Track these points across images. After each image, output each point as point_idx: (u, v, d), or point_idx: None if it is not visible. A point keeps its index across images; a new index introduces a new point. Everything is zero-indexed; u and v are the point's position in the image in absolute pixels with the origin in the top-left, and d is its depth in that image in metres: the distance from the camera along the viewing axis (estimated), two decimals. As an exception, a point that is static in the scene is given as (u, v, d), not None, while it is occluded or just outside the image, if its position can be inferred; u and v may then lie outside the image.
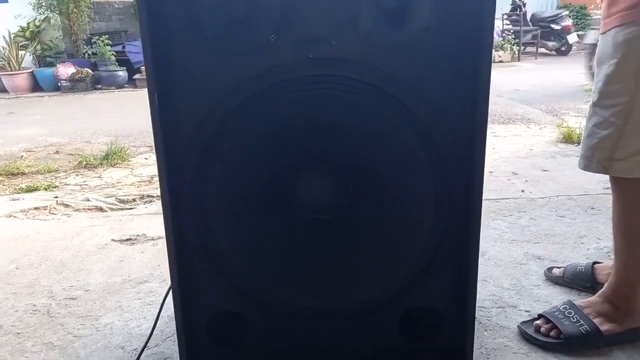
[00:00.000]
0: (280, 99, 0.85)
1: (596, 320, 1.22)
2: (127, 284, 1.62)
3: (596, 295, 1.29)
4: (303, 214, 0.90)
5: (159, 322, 1.27)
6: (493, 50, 8.87)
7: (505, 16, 10.76)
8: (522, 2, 11.21)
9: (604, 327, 1.21)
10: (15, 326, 1.40)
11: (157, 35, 0.82)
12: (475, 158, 0.89)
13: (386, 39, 0.84)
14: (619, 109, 1.04)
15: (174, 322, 1.33)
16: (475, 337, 1.09)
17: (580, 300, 1.32)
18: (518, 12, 10.98)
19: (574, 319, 1.24)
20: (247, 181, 0.90)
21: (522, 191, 2.50)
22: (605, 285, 1.28)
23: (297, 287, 0.95)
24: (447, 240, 0.94)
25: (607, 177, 1.17)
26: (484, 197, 1.80)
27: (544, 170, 2.84)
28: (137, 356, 1.20)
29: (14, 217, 2.35)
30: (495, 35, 10.63)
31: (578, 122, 3.75)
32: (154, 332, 1.27)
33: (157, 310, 1.34)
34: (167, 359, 1.24)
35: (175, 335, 1.31)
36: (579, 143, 3.40)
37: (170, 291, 1.14)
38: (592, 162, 1.11)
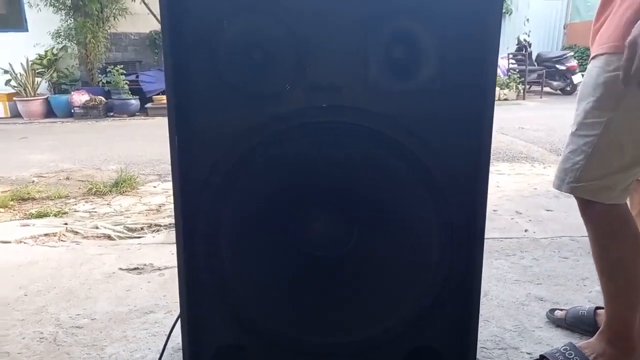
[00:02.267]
0: (292, 144, 0.90)
1: None
2: (133, 314, 1.64)
3: (595, 335, 1.30)
4: (310, 253, 0.94)
5: (163, 353, 1.29)
6: (498, 89, 8.97)
7: (510, 55, 10.97)
8: (528, 42, 11.45)
9: None
10: (22, 354, 1.43)
11: (179, 79, 0.88)
12: (478, 201, 0.93)
13: (394, 88, 0.89)
14: (590, 139, 1.17)
15: (179, 353, 1.35)
16: (476, 379, 1.10)
17: (582, 342, 1.33)
18: (524, 51, 11.20)
19: None
20: (256, 221, 0.94)
21: (526, 231, 2.52)
22: (602, 325, 1.30)
23: (302, 323, 0.98)
24: (450, 279, 0.96)
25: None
26: (487, 236, 1.83)
27: (547, 210, 2.86)
28: (141, 387, 1.21)
29: (24, 242, 2.39)
30: (500, 74, 10.80)
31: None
32: (159, 364, 1.28)
33: (163, 341, 1.36)
34: (171, 391, 1.26)
35: (179, 367, 1.33)
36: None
37: (178, 323, 1.17)
38: (563, 183, 1.22)
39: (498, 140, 5.43)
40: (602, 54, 1.15)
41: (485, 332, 1.51)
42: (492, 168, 4.04)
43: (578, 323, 1.50)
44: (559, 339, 1.47)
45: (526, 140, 5.18)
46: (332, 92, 0.89)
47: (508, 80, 10.02)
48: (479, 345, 1.43)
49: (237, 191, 0.92)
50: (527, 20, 11.94)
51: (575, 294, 1.77)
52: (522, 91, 10.05)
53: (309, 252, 0.94)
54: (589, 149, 1.16)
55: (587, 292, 1.78)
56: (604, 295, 1.28)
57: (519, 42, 11.51)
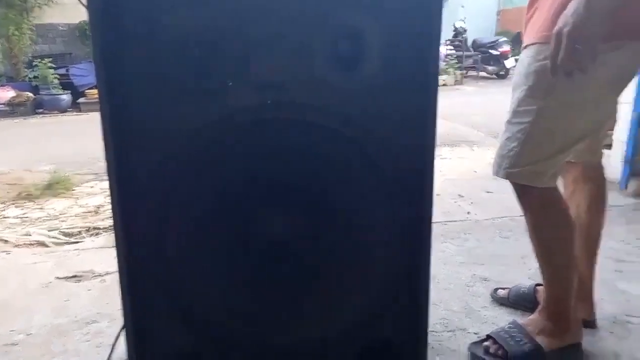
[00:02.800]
0: (238, 141, 0.87)
1: (538, 338, 1.30)
2: (73, 325, 1.55)
3: (535, 312, 1.37)
4: (260, 250, 0.91)
5: (108, 365, 1.23)
6: (438, 75, 9.27)
7: (448, 42, 11.29)
8: (464, 28, 11.82)
9: (545, 344, 1.29)
10: (-51, 378, 1.32)
11: (113, 81, 0.82)
12: (425, 192, 0.94)
13: (340, 83, 0.87)
14: (524, 127, 1.20)
15: (125, 364, 1.29)
16: (428, 362, 1.12)
17: (524, 319, 1.39)
18: (460, 38, 11.56)
19: (518, 338, 1.30)
20: (204, 220, 0.90)
21: (468, 213, 2.61)
22: (542, 302, 1.36)
23: (255, 323, 0.96)
24: (401, 271, 0.97)
25: None
26: (434, 220, 1.86)
27: (487, 192, 2.97)
28: (85, 403, 1.15)
29: (-53, 255, 2.20)
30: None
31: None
32: (104, 376, 1.22)
33: (107, 352, 1.30)
34: (118, 404, 1.20)
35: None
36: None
37: (123, 332, 1.12)
38: (500, 168, 1.26)
39: (439, 125, 5.59)
40: (532, 44, 1.18)
41: (435, 316, 1.55)
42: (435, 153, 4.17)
43: (520, 301, 1.57)
44: (503, 317, 1.53)
45: (466, 124, 5.37)
46: (278, 88, 0.87)
47: (446, 66, 10.31)
48: (429, 329, 1.46)
49: (182, 191, 0.88)
50: (462, 7, 12.31)
51: (517, 272, 1.85)
52: (459, 76, 10.39)
53: (259, 249, 0.91)
54: (523, 135, 1.20)
55: (527, 270, 1.86)
56: (541, 273, 1.34)
57: (455, 29, 11.87)
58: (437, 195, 2.95)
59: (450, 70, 10.26)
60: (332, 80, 0.87)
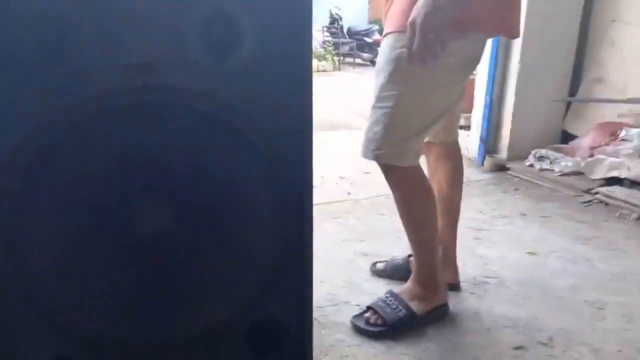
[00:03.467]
0: (104, 127, 0.81)
1: (411, 304, 1.43)
2: None
3: (408, 280, 1.50)
4: (133, 243, 0.87)
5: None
6: (316, 61, 9.38)
7: (325, 28, 11.57)
8: (339, 15, 12.20)
9: (417, 308, 1.42)
10: None
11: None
12: (305, 172, 0.97)
13: (214, 67, 0.86)
14: (386, 111, 1.29)
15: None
16: (315, 337, 1.17)
17: (399, 288, 1.52)
18: (336, 25, 11.92)
19: (394, 306, 1.42)
20: (70, 215, 0.84)
21: (349, 193, 2.74)
22: (413, 270, 1.50)
23: (133, 322, 0.91)
24: (284, 251, 0.99)
25: None
26: (316, 202, 1.93)
27: (366, 173, 3.14)
28: None
29: None
30: (317, 45, 11.29)
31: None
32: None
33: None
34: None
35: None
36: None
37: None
38: (368, 151, 1.34)
39: (318, 110, 5.74)
40: (391, 32, 1.28)
41: (321, 292, 1.62)
42: (316, 137, 4.29)
43: (396, 271, 1.71)
44: (382, 288, 1.65)
45: (345, 110, 5.58)
46: (148, 71, 0.83)
47: (324, 52, 10.58)
48: (315, 304, 1.52)
49: (41, 188, 0.80)
50: (336, -7, 12.67)
51: (393, 246, 1.99)
52: (337, 63, 10.73)
53: (130, 243, 0.87)
54: (386, 119, 1.29)
55: (403, 243, 2.01)
56: (411, 245, 1.47)
57: (331, 15, 12.20)
58: (321, 177, 3.05)
59: (329, 56, 10.55)
60: (204, 63, 0.85)
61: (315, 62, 10.31)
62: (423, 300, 1.44)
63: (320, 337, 1.38)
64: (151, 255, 0.90)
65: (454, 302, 1.57)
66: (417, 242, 1.45)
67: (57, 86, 0.77)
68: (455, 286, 1.63)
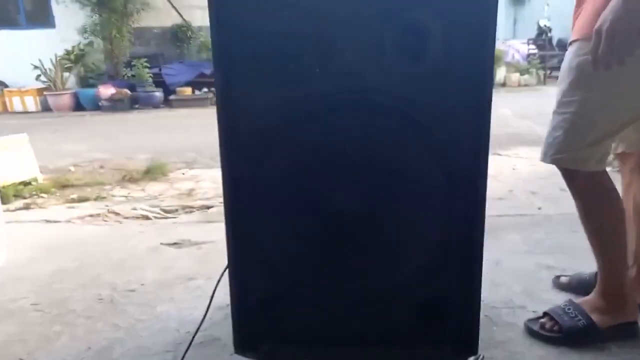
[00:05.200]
0: (321, 121, 1.06)
1: (593, 316, 1.38)
2: (177, 280, 1.84)
3: (592, 292, 1.45)
4: (335, 212, 1.10)
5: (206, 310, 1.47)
6: (518, 75, 8.91)
7: (530, 41, 10.91)
8: (548, 27, 11.35)
9: (599, 321, 1.37)
10: (86, 311, 1.63)
11: (225, 67, 1.04)
12: (480, 169, 1.07)
13: (407, 71, 1.04)
14: (567, 116, 1.31)
15: (220, 311, 1.54)
16: (485, 331, 1.25)
17: (580, 299, 1.47)
18: (543, 37, 11.11)
19: (572, 314, 1.39)
20: (292, 187, 1.11)
21: (539, 208, 2.64)
22: (597, 282, 1.44)
23: (329, 274, 1.14)
24: (455, 230, 1.11)
25: None
26: (502, 213, 1.96)
27: (562, 190, 2.95)
28: (191, 337, 1.39)
29: (72, 222, 2.61)
30: (520, 59, 10.68)
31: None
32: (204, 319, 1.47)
33: (205, 303, 1.54)
34: (216, 339, 1.45)
35: (222, 322, 1.52)
36: (598, 165, 3.52)
37: (218, 286, 1.35)
38: (546, 156, 1.36)
39: (517, 125, 5.50)
40: (576, 40, 1.30)
41: (496, 295, 1.66)
42: (511, 152, 4.16)
43: (581, 286, 1.64)
44: (562, 300, 1.60)
45: (545, 124, 5.23)
46: (355, 76, 1.05)
47: (528, 66, 9.99)
48: (489, 304, 1.58)
49: (274, 162, 1.09)
50: (547, 5, 11.81)
51: (582, 262, 1.89)
52: (542, 77, 10.01)
53: (335, 211, 1.10)
54: (566, 124, 1.31)
55: (593, 262, 1.90)
56: (595, 255, 1.42)
57: (539, 28, 11.43)
58: (510, 191, 2.99)
59: (533, 70, 9.92)
60: (399, 69, 1.04)
61: (516, 76, 9.81)
62: (606, 313, 1.38)
63: (491, 332, 1.44)
64: (346, 224, 1.11)
65: (647, 325, 1.45)
66: (601, 253, 1.39)
67: (292, 87, 1.05)
68: None
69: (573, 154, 1.31)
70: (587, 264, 1.87)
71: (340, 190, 1.11)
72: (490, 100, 1.03)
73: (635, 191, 1.47)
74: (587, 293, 1.61)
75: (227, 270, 1.24)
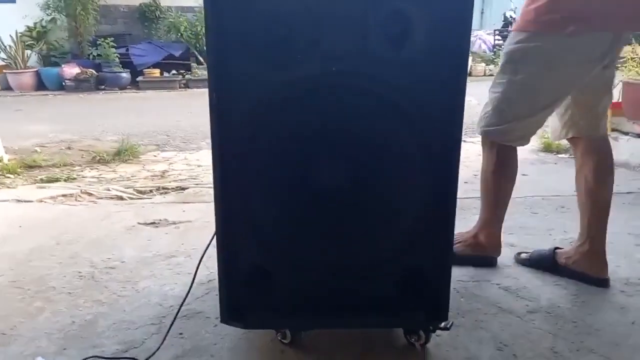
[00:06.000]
0: (308, 102, 1.12)
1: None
2: (157, 258, 1.87)
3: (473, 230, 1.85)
4: (319, 187, 1.17)
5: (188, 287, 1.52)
6: (484, 65, 9.11)
7: (497, 32, 11.16)
8: (514, 18, 11.62)
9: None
10: (66, 287, 1.65)
11: (218, 50, 1.08)
12: (454, 151, 1.16)
13: (389, 57, 1.11)
14: (496, 95, 1.59)
15: (202, 286, 1.60)
16: (453, 302, 1.34)
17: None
18: (509, 28, 11.38)
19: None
20: (279, 164, 1.16)
21: (503, 192, 2.78)
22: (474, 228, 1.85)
23: (313, 246, 1.21)
24: (431, 213, 1.19)
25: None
26: (470, 196, 2.07)
27: (523, 175, 3.11)
28: (176, 311, 1.43)
29: (45, 202, 2.59)
30: (486, 50, 10.89)
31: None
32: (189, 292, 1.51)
33: (186, 279, 1.60)
34: (199, 313, 1.50)
35: (203, 297, 1.57)
36: (557, 152, 3.71)
37: (203, 257, 1.40)
38: (478, 127, 1.67)
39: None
40: (513, 30, 1.57)
41: (463, 270, 1.77)
42: (476, 139, 4.29)
43: (540, 261, 1.78)
44: (523, 273, 1.74)
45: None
46: (340, 60, 1.11)
47: (494, 57, 10.23)
48: (456, 278, 1.69)
49: (263, 140, 1.14)
50: (513, -4, 12.09)
51: (542, 241, 2.02)
52: (506, 67, 10.27)
53: (319, 187, 1.17)
54: (495, 102, 1.58)
55: (551, 240, 2.04)
56: (481, 203, 1.80)
57: (505, 19, 11.69)
58: (474, 175, 3.12)
59: (498, 60, 10.17)
60: (382, 54, 1.10)
61: (482, 66, 10.04)
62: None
63: (459, 304, 1.54)
64: (330, 198, 1.18)
65: (601, 296, 1.60)
66: (485, 203, 1.78)
67: (279, 66, 1.10)
68: (603, 282, 1.64)
69: (498, 128, 1.58)
70: (546, 242, 2.01)
71: (324, 167, 1.17)
72: (465, 83, 1.11)
73: (586, 173, 1.62)
74: (545, 268, 1.75)
75: (210, 245, 1.29)
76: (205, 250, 1.39)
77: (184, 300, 1.44)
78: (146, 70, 8.20)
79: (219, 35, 1.08)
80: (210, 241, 1.26)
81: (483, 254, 1.79)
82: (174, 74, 8.28)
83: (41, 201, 2.59)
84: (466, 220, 2.23)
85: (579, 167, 1.66)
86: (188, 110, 5.88)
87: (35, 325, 1.45)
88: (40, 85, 8.03)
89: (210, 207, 1.17)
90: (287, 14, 1.09)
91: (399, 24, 1.10)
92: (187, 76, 8.17)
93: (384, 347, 1.36)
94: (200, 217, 2.29)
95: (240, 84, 1.10)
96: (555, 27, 1.44)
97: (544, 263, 1.75)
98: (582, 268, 1.66)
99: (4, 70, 7.97)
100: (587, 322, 1.46)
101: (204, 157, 3.64)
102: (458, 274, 1.73)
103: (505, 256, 1.89)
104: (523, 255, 1.85)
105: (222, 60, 1.09)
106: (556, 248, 1.78)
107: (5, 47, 7.91)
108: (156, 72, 8.28)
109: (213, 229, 1.21)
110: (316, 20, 1.09)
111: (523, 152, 3.57)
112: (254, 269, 1.23)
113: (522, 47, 1.51)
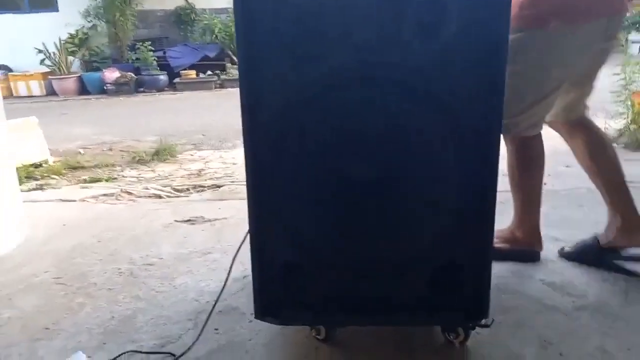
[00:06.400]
0: (340, 95, 1.09)
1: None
2: (193, 255, 1.89)
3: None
4: (353, 182, 1.14)
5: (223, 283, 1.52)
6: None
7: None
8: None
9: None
10: (107, 284, 1.69)
11: (248, 44, 1.07)
12: (492, 141, 1.11)
13: (424, 46, 1.07)
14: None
15: (237, 282, 1.60)
16: (494, 298, 1.29)
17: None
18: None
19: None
20: (311, 160, 1.14)
21: (545, 183, 2.67)
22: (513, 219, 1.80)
23: (348, 243, 1.19)
24: (470, 206, 1.15)
25: None
26: (509, 189, 2.00)
27: (567, 166, 2.99)
28: (211, 307, 1.44)
29: (87, 201, 2.67)
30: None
31: (604, 122, 3.86)
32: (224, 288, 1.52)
33: (222, 275, 1.60)
34: (234, 308, 1.50)
35: (238, 293, 1.58)
36: (603, 142, 3.54)
37: (237, 254, 1.40)
38: None
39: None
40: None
41: (505, 265, 1.70)
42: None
43: (584, 253, 1.71)
44: (567, 269, 1.66)
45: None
46: (372, 51, 1.08)
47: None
48: (497, 274, 1.63)
49: (296, 133, 1.13)
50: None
51: (588, 235, 1.93)
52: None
53: (354, 181, 1.14)
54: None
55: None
56: (513, 200, 1.75)
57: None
58: (514, 168, 3.02)
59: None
60: (416, 45, 1.07)
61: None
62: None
63: (500, 300, 1.49)
64: (364, 193, 1.16)
65: None
66: (521, 200, 1.73)
67: (311, 63, 1.07)
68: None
69: (505, 121, 1.50)
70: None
71: (358, 161, 1.14)
72: (505, 70, 1.06)
73: (579, 154, 1.74)
74: (590, 261, 1.67)
75: (244, 242, 1.29)
76: (240, 247, 1.39)
77: (219, 296, 1.45)
78: (183, 72, 8.38)
79: (247, 30, 1.07)
80: (244, 238, 1.25)
81: (523, 248, 1.73)
82: (209, 75, 8.42)
83: (83, 201, 2.67)
84: (509, 214, 2.15)
85: (572, 151, 1.74)
86: (223, 109, 5.97)
87: (76, 320, 1.49)
88: (83, 89, 8.33)
89: (245, 204, 1.17)
90: (317, 5, 1.07)
91: (433, 12, 1.06)
92: (222, 76, 8.30)
93: (421, 345, 1.32)
94: (235, 214, 2.31)
95: (271, 80, 1.09)
96: (537, 22, 1.45)
97: (589, 251, 1.68)
98: (624, 243, 1.65)
99: (49, 76, 8.31)
100: (638, 320, 1.38)
101: (239, 155, 3.67)
102: (498, 269, 1.67)
103: (549, 251, 1.82)
104: (567, 249, 1.77)
105: (252, 56, 1.08)
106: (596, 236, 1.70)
107: (49, 54, 8.25)
108: (192, 73, 8.44)
109: (247, 225, 1.21)
110: (347, 11, 1.07)
111: (563, 143, 3.43)
112: (287, 265, 1.22)
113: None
